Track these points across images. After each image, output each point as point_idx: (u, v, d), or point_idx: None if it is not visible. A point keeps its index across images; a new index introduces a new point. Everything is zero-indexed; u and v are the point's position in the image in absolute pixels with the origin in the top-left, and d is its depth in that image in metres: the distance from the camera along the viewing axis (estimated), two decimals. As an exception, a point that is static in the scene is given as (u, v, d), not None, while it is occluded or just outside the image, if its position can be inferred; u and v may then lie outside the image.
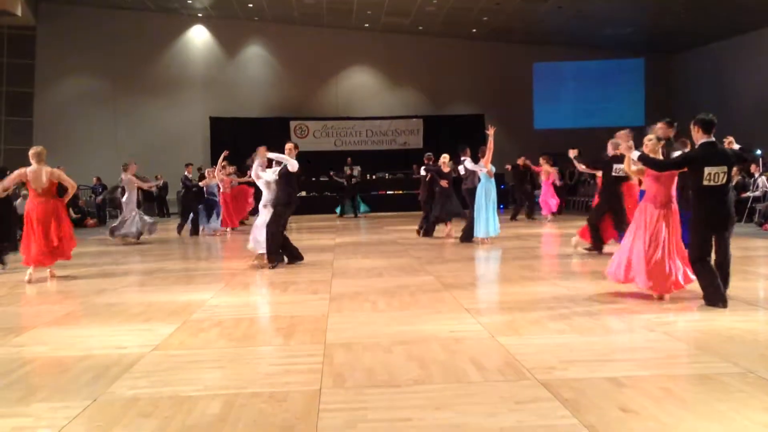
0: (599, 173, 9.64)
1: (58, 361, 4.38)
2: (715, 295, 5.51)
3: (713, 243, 5.64)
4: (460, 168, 11.74)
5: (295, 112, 25.02)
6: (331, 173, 20.59)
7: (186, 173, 14.93)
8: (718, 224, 5.60)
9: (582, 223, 10.20)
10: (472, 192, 11.21)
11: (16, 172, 8.10)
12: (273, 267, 8.61)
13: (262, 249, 8.77)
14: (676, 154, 6.69)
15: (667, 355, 4.19)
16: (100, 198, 19.73)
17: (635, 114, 25.33)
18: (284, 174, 8.68)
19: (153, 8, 23.93)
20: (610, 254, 8.78)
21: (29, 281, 7.87)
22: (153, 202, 21.61)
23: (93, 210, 20.37)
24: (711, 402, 3.29)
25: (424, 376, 3.85)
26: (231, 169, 15.59)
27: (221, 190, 14.80)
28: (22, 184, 8.80)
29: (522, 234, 13.04)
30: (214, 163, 16.63)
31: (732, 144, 6.13)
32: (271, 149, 8.90)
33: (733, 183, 15.06)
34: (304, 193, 21.12)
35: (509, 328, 4.98)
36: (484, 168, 10.88)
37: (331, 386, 3.70)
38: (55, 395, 3.67)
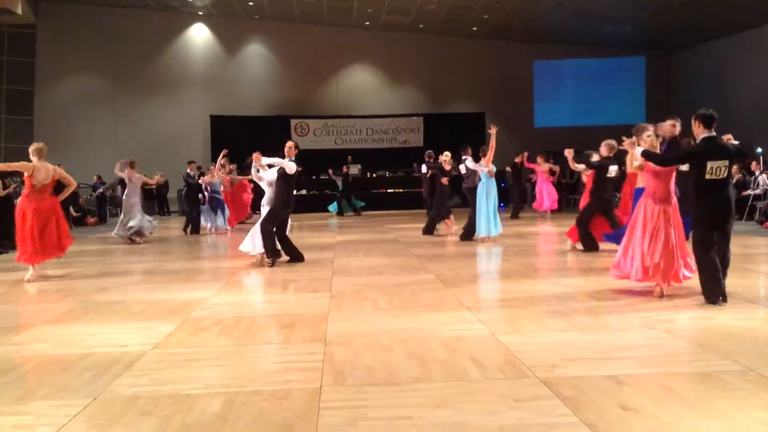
0: (588, 172, 9.64)
1: (58, 359, 4.38)
2: (715, 290, 5.53)
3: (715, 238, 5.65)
4: (461, 167, 11.75)
5: (296, 110, 25.00)
6: (330, 171, 20.59)
7: (188, 170, 14.91)
8: (720, 217, 5.62)
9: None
10: (473, 191, 11.21)
11: (22, 162, 8.00)
12: (272, 265, 8.61)
13: (261, 249, 8.77)
14: None
15: (667, 353, 4.19)
16: (100, 190, 19.63)
17: (635, 112, 25.27)
18: (282, 175, 8.70)
19: (153, 6, 23.91)
20: (608, 251, 8.84)
21: (29, 280, 7.86)
22: (153, 201, 21.61)
23: (93, 208, 20.39)
24: (711, 400, 3.29)
25: (425, 374, 3.85)
26: (231, 167, 15.60)
27: (223, 189, 14.80)
28: (22, 183, 8.77)
29: (522, 232, 13.04)
30: (214, 161, 16.62)
31: (731, 140, 6.17)
32: (269, 152, 8.94)
33: (734, 181, 15.10)
34: (304, 192, 21.15)
35: (510, 326, 4.99)
36: (485, 168, 10.88)
37: (332, 384, 3.70)
38: (56, 393, 3.67)
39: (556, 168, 17.44)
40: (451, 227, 12.54)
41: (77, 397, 3.58)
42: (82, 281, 7.94)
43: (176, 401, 3.49)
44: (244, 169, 15.14)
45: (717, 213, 5.60)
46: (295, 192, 9.25)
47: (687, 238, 6.28)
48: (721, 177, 5.53)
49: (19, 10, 20.74)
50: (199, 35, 25.09)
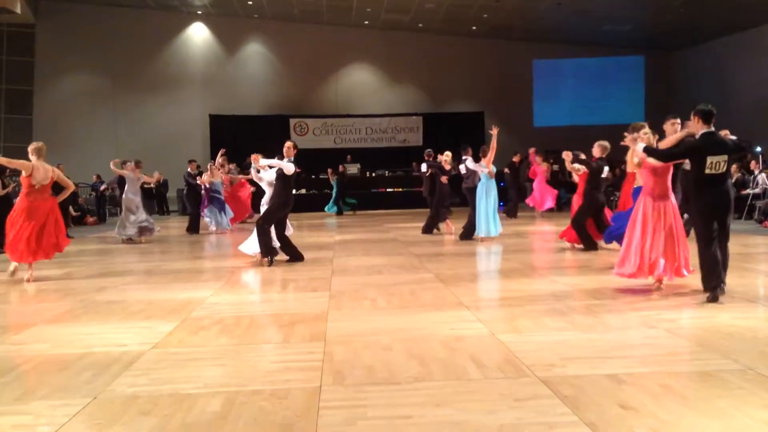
0: (580, 172, 9.67)
1: (57, 358, 4.38)
2: (715, 279, 5.58)
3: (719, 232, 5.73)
4: (462, 167, 11.76)
5: (295, 109, 25.00)
6: (330, 171, 20.59)
7: (189, 170, 14.89)
8: (720, 211, 5.70)
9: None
10: (473, 191, 11.22)
11: (22, 161, 7.97)
12: (270, 264, 8.61)
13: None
14: None
15: (666, 352, 4.19)
16: (102, 187, 19.52)
17: (635, 111, 25.27)
18: (281, 176, 8.71)
19: (152, 6, 23.90)
20: (607, 250, 8.85)
21: (28, 280, 7.85)
22: (153, 200, 21.59)
23: (93, 208, 20.38)
24: (711, 399, 3.29)
25: (424, 373, 3.85)
26: (230, 166, 15.58)
27: (224, 188, 14.78)
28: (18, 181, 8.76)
29: (521, 231, 13.05)
30: (213, 160, 16.60)
31: (728, 135, 6.22)
32: (268, 152, 8.95)
33: (733, 180, 15.11)
34: (303, 191, 21.14)
35: (509, 325, 4.99)
36: (486, 168, 10.89)
37: (331, 384, 3.70)
38: (55, 393, 3.67)
39: (555, 167, 17.44)
40: (451, 227, 12.56)
41: (77, 397, 3.58)
42: (81, 281, 7.94)
43: (176, 401, 3.49)
44: (244, 168, 15.15)
45: (717, 207, 5.67)
46: (294, 191, 9.25)
47: (687, 234, 6.31)
48: (720, 172, 5.61)
49: (19, 10, 20.74)
50: (198, 34, 25.08)
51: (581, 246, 9.45)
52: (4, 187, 12.09)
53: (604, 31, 23.83)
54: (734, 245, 6.37)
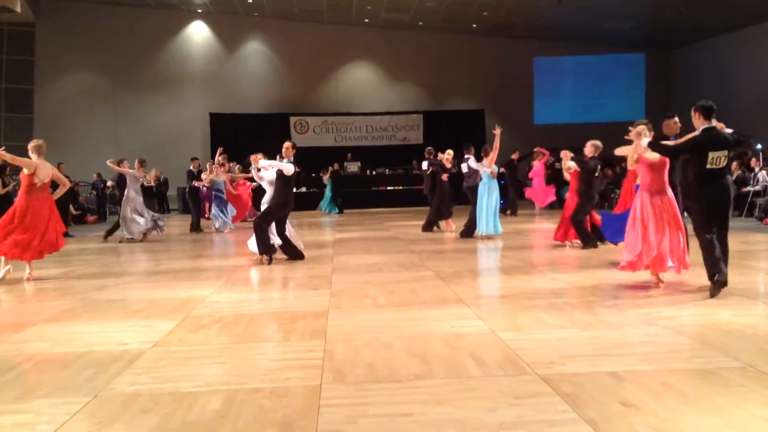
0: (571, 170, 9.71)
1: (58, 357, 4.38)
2: (718, 265, 5.62)
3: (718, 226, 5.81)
4: (463, 165, 11.78)
5: (295, 107, 24.99)
6: (330, 170, 20.57)
7: (191, 168, 14.86)
8: (720, 205, 5.77)
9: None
10: (474, 190, 11.24)
11: (27, 159, 7.95)
12: (269, 262, 8.61)
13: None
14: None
15: (667, 349, 4.18)
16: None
17: (635, 109, 25.27)
18: (281, 176, 8.73)
19: (152, 4, 23.89)
20: (607, 249, 8.86)
21: (28, 279, 7.85)
22: (153, 198, 21.57)
23: (93, 206, 20.39)
24: (711, 396, 3.29)
25: (425, 371, 3.85)
26: (230, 165, 15.56)
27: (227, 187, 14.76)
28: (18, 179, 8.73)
29: (521, 229, 13.05)
30: (213, 159, 16.59)
31: (724, 129, 6.25)
32: (269, 151, 8.97)
33: (733, 177, 15.09)
34: (304, 189, 21.14)
35: (509, 322, 4.99)
36: (488, 168, 10.92)
37: (332, 382, 3.70)
38: (56, 391, 3.67)
39: (558, 165, 17.41)
40: (451, 225, 12.57)
41: (77, 395, 3.58)
42: (81, 279, 7.94)
43: (176, 399, 3.49)
44: (245, 167, 15.14)
45: (718, 201, 5.75)
46: (295, 189, 9.25)
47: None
48: (720, 166, 5.70)
49: (18, 8, 20.74)
50: (198, 33, 25.08)
51: (578, 242, 9.47)
52: (4, 185, 12.09)
53: (605, 28, 23.81)
54: (734, 242, 6.37)
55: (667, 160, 6.14)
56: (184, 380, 3.80)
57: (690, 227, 6.23)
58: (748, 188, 14.68)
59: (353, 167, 22.60)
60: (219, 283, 7.32)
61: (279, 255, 9.01)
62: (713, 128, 5.75)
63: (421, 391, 3.49)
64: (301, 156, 12.09)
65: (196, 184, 14.42)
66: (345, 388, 3.60)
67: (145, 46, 24.22)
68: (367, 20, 24.49)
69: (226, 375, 3.90)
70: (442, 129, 24.11)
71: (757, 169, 14.90)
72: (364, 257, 9.29)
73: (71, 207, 16.90)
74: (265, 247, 8.64)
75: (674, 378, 3.58)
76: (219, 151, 14.47)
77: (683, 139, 6.62)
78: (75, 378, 3.91)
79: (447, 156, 12.34)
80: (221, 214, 14.33)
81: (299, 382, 3.70)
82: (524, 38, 25.62)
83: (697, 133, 6.49)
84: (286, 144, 8.91)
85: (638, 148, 6.21)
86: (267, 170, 9.02)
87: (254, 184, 14.00)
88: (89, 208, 19.86)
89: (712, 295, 5.64)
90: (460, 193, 12.62)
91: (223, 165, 14.76)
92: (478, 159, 11.29)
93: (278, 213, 8.77)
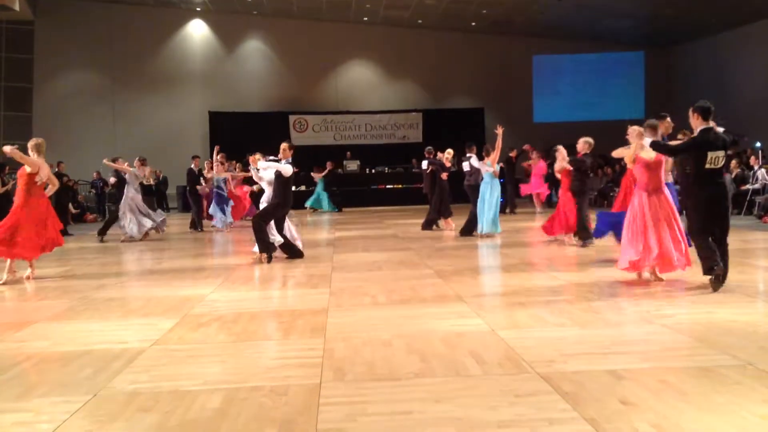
0: (563, 168, 9.87)
1: (58, 356, 4.39)
2: (715, 261, 5.72)
3: (712, 229, 5.93)
4: (465, 164, 11.81)
5: (295, 106, 24.98)
6: (329, 168, 20.56)
7: (192, 166, 14.84)
8: (719, 204, 5.89)
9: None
10: (475, 188, 11.28)
11: (33, 158, 7.95)
12: (269, 260, 8.61)
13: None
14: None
15: (666, 347, 4.19)
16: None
17: (635, 107, 25.28)
18: (279, 176, 8.75)
19: (151, 3, 23.87)
20: (607, 246, 8.86)
21: (28, 278, 7.85)
22: (152, 197, 21.57)
23: (93, 205, 20.38)
24: (710, 394, 3.30)
25: (425, 369, 3.86)
26: (229, 164, 15.53)
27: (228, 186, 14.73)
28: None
29: (520, 227, 13.05)
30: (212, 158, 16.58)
31: (716, 128, 6.35)
32: (269, 149, 9.00)
33: (733, 175, 15.10)
34: (303, 188, 21.13)
35: (509, 321, 4.99)
36: (491, 167, 10.96)
37: (332, 380, 3.70)
38: (56, 390, 3.68)
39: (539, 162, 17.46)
40: (451, 224, 12.59)
41: (77, 394, 3.58)
42: (81, 278, 7.94)
43: (176, 397, 3.49)
44: (245, 165, 15.12)
45: (716, 200, 5.87)
46: (294, 188, 9.27)
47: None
48: (719, 166, 5.83)
49: (17, 7, 20.69)
50: (197, 31, 25.05)
51: (567, 236, 9.80)
52: (4, 184, 12.08)
53: (604, 26, 23.79)
54: (734, 241, 6.38)
55: (663, 159, 6.25)
56: (184, 379, 3.81)
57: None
58: (748, 186, 14.67)
59: (353, 166, 22.58)
60: (219, 281, 7.32)
61: (279, 254, 9.01)
62: (711, 129, 5.85)
63: (420, 390, 3.50)
64: (301, 155, 12.05)
65: (200, 190, 14.37)
66: (345, 386, 3.61)
67: (144, 44, 24.20)
68: (366, 18, 24.47)
69: (226, 373, 3.90)
70: (442, 127, 24.08)
71: (756, 167, 14.89)
72: (364, 255, 9.29)
73: (70, 206, 16.89)
74: (265, 246, 8.65)
75: (673, 376, 3.59)
76: (216, 149, 14.46)
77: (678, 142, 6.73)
78: (75, 376, 3.91)
79: (447, 155, 12.39)
80: (220, 212, 14.30)
81: (299, 381, 3.70)
82: (524, 36, 25.60)
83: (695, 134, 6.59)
84: (283, 145, 8.93)
85: (638, 149, 6.28)
86: (266, 170, 9.04)
87: (254, 186, 13.98)
88: (88, 206, 19.85)
89: (715, 290, 5.72)
90: (459, 192, 12.64)
91: (222, 164, 14.73)
92: (480, 158, 11.35)
93: (276, 213, 8.79)
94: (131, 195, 12.22)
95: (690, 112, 5.95)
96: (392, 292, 6.31)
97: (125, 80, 24.08)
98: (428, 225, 12.73)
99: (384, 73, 26.05)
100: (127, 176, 12.34)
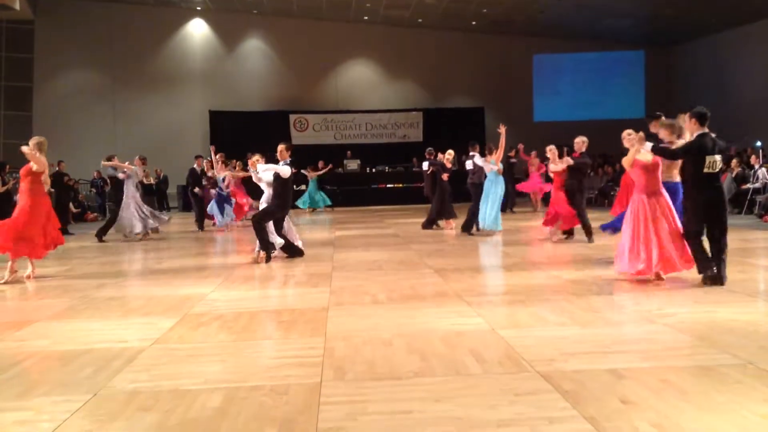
0: (559, 168, 9.96)
1: (58, 355, 4.39)
2: (709, 265, 5.97)
3: (711, 231, 6.12)
4: (468, 163, 11.86)
5: (295, 105, 24.98)
6: (331, 168, 20.55)
7: (195, 166, 14.82)
8: (717, 208, 6.03)
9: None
10: (478, 186, 11.34)
11: (42, 158, 7.94)
12: (267, 260, 8.61)
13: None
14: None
15: (667, 346, 4.19)
16: (121, 176, 19.13)
17: (635, 106, 25.27)
18: (278, 178, 8.76)
19: (152, 2, 23.87)
20: (605, 245, 8.86)
21: (28, 277, 7.85)
22: (153, 196, 21.56)
23: (93, 204, 20.38)
24: (710, 393, 3.30)
25: (425, 368, 3.86)
26: (231, 163, 15.51)
27: (230, 185, 14.72)
28: (19, 177, 8.69)
29: (520, 226, 13.05)
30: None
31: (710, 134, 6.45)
32: (268, 149, 9.00)
33: (733, 174, 15.10)
34: (303, 187, 21.12)
35: (509, 320, 4.99)
36: (494, 165, 11.02)
37: (332, 379, 3.70)
38: (56, 389, 3.68)
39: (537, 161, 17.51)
40: (451, 223, 12.61)
41: (78, 393, 3.58)
42: (81, 277, 7.94)
43: (176, 396, 3.49)
44: (246, 165, 15.10)
45: (714, 204, 6.00)
46: (295, 187, 9.29)
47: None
48: (716, 171, 5.98)
49: (18, 6, 20.70)
50: (197, 30, 25.05)
51: (556, 230, 10.04)
52: (4, 184, 12.07)
53: (604, 25, 23.78)
54: (734, 240, 6.40)
55: (660, 162, 6.34)
56: (184, 378, 3.81)
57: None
58: (748, 185, 14.67)
59: (353, 165, 22.58)
60: (219, 280, 7.32)
61: (279, 253, 9.02)
62: (707, 134, 5.98)
63: (420, 389, 3.50)
64: (301, 154, 12.04)
65: (198, 193, 14.34)
66: (345, 385, 3.61)
67: (144, 43, 24.20)
68: (366, 17, 24.46)
69: (226, 372, 3.90)
70: (442, 126, 24.09)
71: (756, 166, 14.89)
72: (364, 254, 9.29)
73: (71, 205, 16.89)
74: (264, 244, 8.66)
75: (674, 375, 3.59)
76: (212, 150, 14.45)
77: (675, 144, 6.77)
78: (75, 375, 3.91)
79: (448, 156, 12.44)
80: (218, 212, 14.28)
81: (299, 380, 3.70)
82: (524, 35, 25.59)
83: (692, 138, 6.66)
84: (280, 147, 8.93)
85: (637, 152, 6.37)
86: (265, 172, 9.05)
87: (254, 204, 13.92)
88: (89, 205, 19.85)
89: (705, 284, 5.96)
90: (460, 192, 12.66)
91: (225, 164, 14.70)
92: (482, 156, 11.41)
93: (277, 213, 8.83)
94: (131, 193, 12.24)
95: (687, 117, 6.12)
96: (392, 291, 6.31)
97: (125, 79, 24.08)
98: (429, 224, 12.74)
99: (384, 72, 26.04)
100: (120, 174, 12.30)
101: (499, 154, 11.03)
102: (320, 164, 19.97)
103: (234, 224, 14.57)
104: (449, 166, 12.39)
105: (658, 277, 6.30)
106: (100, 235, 12.36)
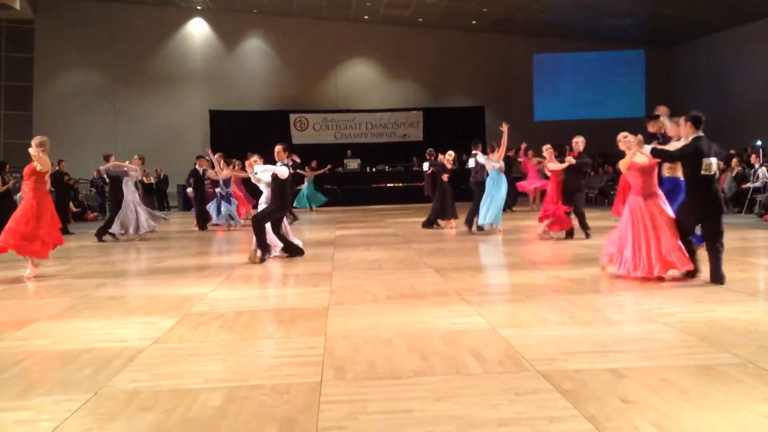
0: (556, 168, 10.08)
1: (59, 354, 4.39)
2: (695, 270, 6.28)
3: (704, 232, 6.31)
4: (471, 161, 11.91)
5: (295, 104, 24.97)
6: (330, 167, 20.54)
7: (196, 166, 14.81)
8: (713, 210, 6.12)
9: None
10: (481, 185, 11.41)
11: (47, 158, 7.97)
12: (262, 260, 8.61)
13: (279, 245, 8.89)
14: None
15: (667, 345, 4.19)
16: (132, 173, 19.02)
17: (636, 105, 25.25)
18: (276, 179, 8.76)
19: (152, 1, 23.86)
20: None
21: (29, 277, 7.85)
22: (153, 196, 21.57)
23: (94, 203, 20.38)
24: (711, 392, 3.30)
25: (425, 367, 3.86)
26: (225, 163, 15.47)
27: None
28: (20, 176, 8.70)
29: (520, 225, 13.05)
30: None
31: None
32: (269, 148, 9.03)
33: (733, 174, 15.09)
34: (303, 187, 21.12)
35: (509, 319, 4.99)
36: (497, 163, 11.07)
37: (332, 378, 3.71)
38: (57, 389, 3.68)
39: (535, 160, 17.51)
40: (452, 223, 12.62)
41: (78, 392, 3.59)
42: (82, 276, 7.94)
43: (177, 396, 3.49)
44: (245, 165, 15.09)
45: (709, 207, 6.09)
46: (296, 187, 9.30)
47: None
48: (712, 173, 6.06)
49: (18, 6, 20.70)
50: (197, 30, 25.04)
51: (545, 228, 10.18)
52: (4, 183, 12.07)
53: (605, 25, 23.77)
54: (735, 239, 6.40)
55: (656, 164, 6.40)
56: (185, 377, 3.81)
57: None
58: (748, 185, 14.67)
59: (353, 164, 22.57)
60: (219, 280, 7.32)
61: (280, 253, 9.02)
62: (702, 137, 6.08)
63: (421, 388, 3.50)
64: (302, 153, 12.03)
65: (188, 193, 14.31)
66: (345, 384, 3.61)
67: (144, 43, 24.19)
68: (366, 17, 24.46)
69: (227, 372, 3.90)
70: (442, 126, 24.10)
71: (757, 166, 14.89)
72: (364, 254, 9.29)
73: (71, 204, 16.88)
74: (262, 244, 8.66)
75: (674, 374, 3.59)
76: (209, 152, 14.44)
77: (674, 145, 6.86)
78: (76, 375, 3.91)
79: (448, 157, 12.47)
80: (216, 212, 14.28)
81: (299, 379, 3.70)
82: (524, 35, 25.58)
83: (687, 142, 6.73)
84: (277, 148, 8.93)
85: (634, 155, 6.40)
86: (263, 173, 9.05)
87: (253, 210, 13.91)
88: (89, 205, 19.85)
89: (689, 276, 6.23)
90: (461, 191, 12.68)
91: (227, 164, 14.69)
92: (485, 154, 11.49)
93: (276, 214, 8.84)
94: (132, 190, 12.26)
95: (683, 121, 6.23)
96: (393, 291, 6.31)
97: (126, 79, 24.07)
98: (429, 224, 12.75)
99: (384, 71, 26.03)
100: (131, 173, 12.32)
101: (501, 151, 11.10)
102: (314, 164, 19.91)
103: (237, 223, 14.54)
104: (449, 166, 12.42)
105: (659, 277, 6.30)
106: (100, 234, 12.34)
